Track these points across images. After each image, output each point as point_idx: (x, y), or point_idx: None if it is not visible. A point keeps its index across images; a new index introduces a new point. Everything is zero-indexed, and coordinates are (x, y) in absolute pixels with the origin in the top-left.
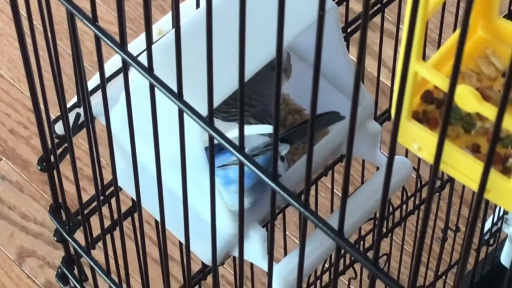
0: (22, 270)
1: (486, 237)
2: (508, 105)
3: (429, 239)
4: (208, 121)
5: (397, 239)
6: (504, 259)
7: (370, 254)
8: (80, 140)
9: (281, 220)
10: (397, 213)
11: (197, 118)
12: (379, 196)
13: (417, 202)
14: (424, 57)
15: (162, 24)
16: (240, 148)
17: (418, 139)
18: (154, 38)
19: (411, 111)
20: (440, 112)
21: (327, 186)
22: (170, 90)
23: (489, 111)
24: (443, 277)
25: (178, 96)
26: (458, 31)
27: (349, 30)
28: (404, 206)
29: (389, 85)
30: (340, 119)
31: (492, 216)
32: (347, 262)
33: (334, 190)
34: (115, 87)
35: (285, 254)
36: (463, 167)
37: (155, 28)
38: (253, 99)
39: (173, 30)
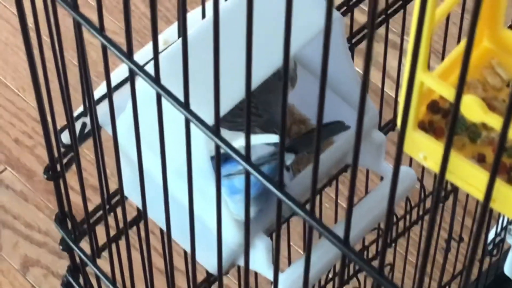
0: (26, 280)
1: (490, 247)
2: None
3: (433, 250)
4: (214, 130)
5: (401, 249)
6: (507, 270)
7: (374, 264)
8: (85, 150)
9: (285, 230)
10: (401, 223)
11: (203, 127)
12: (383, 206)
13: (421, 212)
14: (428, 69)
15: (167, 34)
16: (246, 157)
17: (424, 149)
18: (160, 48)
19: (417, 121)
20: (446, 122)
21: (331, 197)
22: (177, 99)
23: (495, 121)
24: None
25: (184, 105)
26: (463, 41)
27: (354, 40)
28: (407, 216)
29: (393, 95)
30: (345, 128)
31: (495, 226)
32: (351, 271)
33: (338, 201)
34: (121, 97)
35: (289, 264)
36: (469, 176)
37: (160, 38)
38: (259, 109)
39: (180, 39)
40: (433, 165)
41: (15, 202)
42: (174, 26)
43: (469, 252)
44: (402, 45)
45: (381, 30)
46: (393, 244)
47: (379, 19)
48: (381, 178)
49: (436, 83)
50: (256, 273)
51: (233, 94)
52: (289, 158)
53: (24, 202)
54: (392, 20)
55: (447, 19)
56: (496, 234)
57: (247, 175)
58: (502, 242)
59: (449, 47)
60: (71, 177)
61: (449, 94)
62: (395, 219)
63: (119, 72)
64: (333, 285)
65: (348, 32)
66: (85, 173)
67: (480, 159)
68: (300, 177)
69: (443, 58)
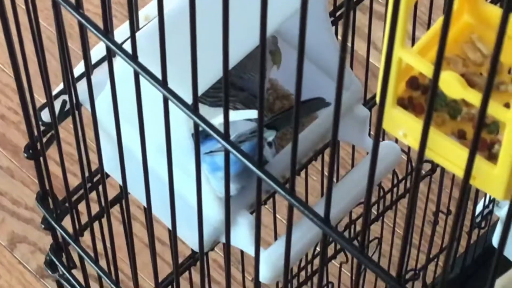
0: (13, 256)
1: (478, 220)
2: (494, 91)
3: (421, 222)
4: (193, 109)
5: (389, 222)
6: (495, 242)
7: None
8: (70, 125)
9: (271, 204)
10: (388, 196)
11: (181, 105)
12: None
13: (408, 185)
14: (413, 40)
15: (149, 9)
16: (225, 135)
17: (404, 126)
18: (141, 24)
19: (396, 97)
20: (426, 99)
21: (318, 169)
22: (155, 77)
23: (474, 97)
24: (435, 260)
25: (162, 83)
26: (443, 16)
27: (337, 14)
28: (395, 189)
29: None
30: (326, 105)
31: (483, 199)
32: (338, 246)
33: (325, 173)
34: (102, 73)
35: (275, 237)
36: (449, 153)
37: (142, 13)
38: (245, 79)
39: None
40: (413, 142)
41: (1, 178)
42: (155, 1)
43: (450, 231)
44: (387, 16)
45: (367, 1)
46: (381, 218)
47: None
48: (368, 152)
49: (415, 59)
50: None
51: (212, 71)
52: (270, 135)
53: (10, 178)
54: None
55: None
56: (484, 207)
57: (227, 153)
58: (490, 214)
59: (435, 17)
60: (57, 152)
61: (427, 70)
62: (382, 193)
63: (101, 47)
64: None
65: (332, 5)
66: (71, 148)
67: (461, 136)
68: (283, 153)
69: (428, 29)
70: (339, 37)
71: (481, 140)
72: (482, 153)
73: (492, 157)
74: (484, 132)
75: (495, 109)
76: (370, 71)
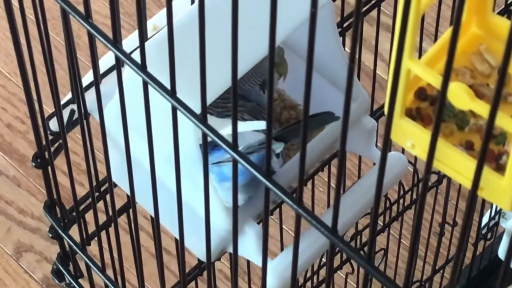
0: (19, 265)
1: (484, 231)
2: (502, 102)
3: (427, 233)
4: (201, 118)
5: (395, 233)
6: (501, 253)
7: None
8: (78, 135)
9: (278, 215)
10: (394, 208)
11: (190, 115)
12: (374, 193)
13: (414, 196)
14: (421, 51)
15: (157, 19)
16: (234, 145)
17: (411, 137)
18: (149, 34)
19: (405, 108)
20: (434, 109)
21: (324, 180)
22: (163, 87)
23: (482, 109)
24: (441, 271)
25: (171, 93)
26: (451, 28)
27: (345, 25)
28: (401, 201)
29: (386, 78)
30: (335, 119)
31: (489, 210)
32: (344, 257)
33: (331, 184)
34: (110, 83)
35: (282, 248)
36: (457, 164)
37: (150, 23)
38: (243, 89)
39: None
40: (421, 153)
41: (7, 187)
42: (164, 11)
43: (457, 242)
44: (395, 28)
45: (374, 13)
46: (387, 229)
47: (372, 1)
48: (374, 163)
49: (423, 70)
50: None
51: (220, 81)
52: (278, 147)
53: (16, 187)
54: (384, 3)
55: (440, 1)
56: (490, 218)
57: (235, 163)
58: (496, 225)
59: (442, 29)
60: (64, 162)
61: (436, 81)
62: (388, 204)
63: (110, 57)
64: (326, 270)
65: (340, 15)
66: (78, 158)
67: (468, 147)
68: (290, 164)
69: (435, 40)
70: (347, 48)
71: (488, 151)
72: (489, 164)
73: (500, 168)
74: (492, 143)
75: (503, 120)
76: (377, 83)
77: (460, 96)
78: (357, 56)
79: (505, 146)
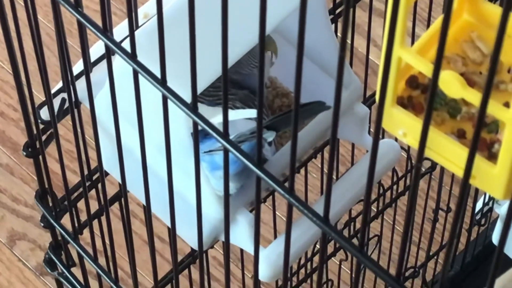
0: (13, 253)
1: (478, 217)
2: (493, 90)
3: (421, 219)
4: (192, 107)
5: (389, 219)
6: (495, 239)
7: None
8: (70, 122)
9: (271, 202)
10: (388, 194)
11: (181, 104)
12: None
13: (407, 182)
14: (413, 37)
15: (149, 7)
16: (225, 134)
17: (403, 125)
18: (140, 22)
19: (396, 96)
20: (425, 98)
21: (318, 166)
22: (154, 76)
23: (474, 97)
24: (435, 257)
25: (161, 82)
26: (442, 16)
27: (337, 11)
28: (394, 187)
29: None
30: (326, 109)
31: (483, 196)
32: (338, 244)
33: (324, 170)
34: (102, 71)
35: (275, 235)
36: (448, 153)
37: (141, 11)
38: (243, 74)
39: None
40: (413, 142)
41: (0, 175)
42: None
43: (450, 229)
44: (386, 13)
45: None
46: (381, 215)
47: None
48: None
49: (414, 58)
50: None
51: (211, 70)
52: (269, 136)
53: (10, 175)
54: None
55: None
56: (484, 204)
57: (226, 152)
58: (490, 211)
59: (435, 15)
60: (56, 150)
61: (427, 69)
62: (382, 190)
63: (101, 45)
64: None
65: (332, 2)
66: (71, 146)
67: (460, 135)
68: (283, 152)
69: (428, 26)
70: (339, 35)
71: (480, 139)
72: (481, 153)
73: (492, 157)
74: (484, 131)
75: (494, 109)
76: (370, 68)
77: (451, 84)
78: (348, 44)
79: (497, 134)
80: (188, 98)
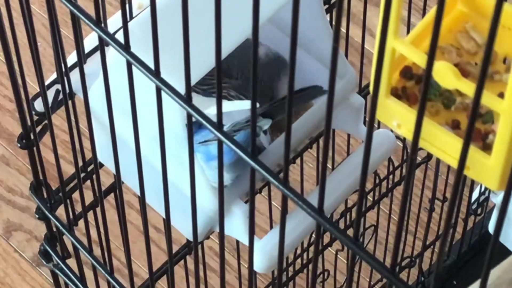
0: (9, 244)
1: (474, 206)
2: (488, 81)
3: (417, 209)
4: (186, 99)
5: (385, 209)
6: (492, 229)
7: None
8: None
9: (267, 191)
10: (384, 183)
11: (174, 95)
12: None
13: (404, 172)
14: (409, 27)
15: None
16: (218, 125)
17: (397, 116)
18: (135, 13)
19: (390, 87)
20: (419, 88)
21: (314, 156)
22: (147, 67)
23: (468, 87)
24: (431, 247)
25: (155, 73)
26: (436, 6)
27: (332, 1)
28: (390, 177)
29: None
30: (322, 93)
31: (479, 185)
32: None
33: (320, 160)
34: (96, 62)
35: (271, 225)
36: (443, 143)
37: (135, 2)
38: (235, 70)
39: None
40: (407, 133)
41: None
42: None
43: (445, 219)
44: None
45: None
46: (377, 205)
47: None
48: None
49: (408, 49)
50: None
51: (205, 61)
52: (265, 124)
53: (5, 166)
54: None
55: None
56: (480, 193)
57: (220, 143)
58: (486, 201)
59: (430, 3)
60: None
61: (421, 60)
62: (378, 180)
63: (95, 36)
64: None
65: None
66: (67, 136)
67: (455, 126)
68: (279, 141)
69: (424, 15)
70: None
71: (475, 130)
72: (476, 143)
73: (487, 147)
74: (479, 122)
75: (489, 99)
76: (366, 58)
77: (445, 75)
78: (344, 33)
79: (492, 125)
80: (182, 89)
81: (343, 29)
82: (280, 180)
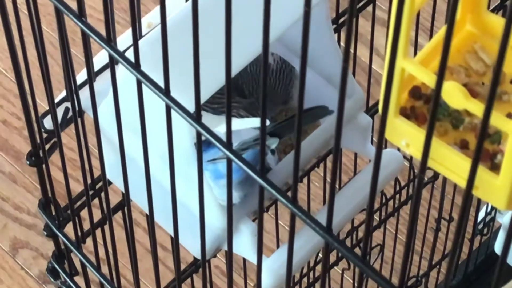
0: (15, 262)
1: (480, 226)
2: (496, 101)
3: (423, 229)
4: (195, 117)
5: (392, 228)
6: (498, 249)
7: None
8: (73, 131)
9: (274, 211)
10: (391, 203)
11: (184, 114)
12: (369, 190)
13: (410, 192)
14: (416, 47)
15: (152, 16)
16: (228, 144)
17: (406, 136)
18: (144, 31)
19: (399, 107)
20: (428, 108)
21: (320, 176)
22: (157, 86)
23: (476, 108)
24: (437, 267)
25: (165, 92)
26: (445, 26)
27: (340, 21)
28: (397, 196)
29: (382, 74)
30: (329, 113)
31: (486, 205)
32: (340, 253)
33: (327, 179)
34: (106, 80)
35: (278, 244)
36: (451, 163)
37: (144, 21)
38: (244, 89)
39: None
40: (415, 152)
41: (3, 184)
42: (158, 9)
43: (453, 239)
44: (390, 23)
45: (370, 8)
46: (383, 224)
47: None
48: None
49: (417, 69)
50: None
51: (214, 80)
52: (273, 143)
53: (13, 184)
54: None
55: None
56: (487, 213)
57: (229, 162)
58: (492, 221)
59: (438, 24)
60: (59, 159)
61: (430, 80)
62: (384, 199)
63: (105, 54)
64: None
65: (335, 11)
66: (74, 154)
67: (463, 146)
68: (286, 160)
69: (431, 36)
70: (342, 44)
71: (483, 150)
72: (484, 163)
73: (495, 167)
74: (487, 142)
75: (497, 119)
76: (373, 78)
77: (454, 95)
78: (351, 53)
79: (500, 145)
80: (191, 107)
81: (351, 49)
82: (289, 199)
